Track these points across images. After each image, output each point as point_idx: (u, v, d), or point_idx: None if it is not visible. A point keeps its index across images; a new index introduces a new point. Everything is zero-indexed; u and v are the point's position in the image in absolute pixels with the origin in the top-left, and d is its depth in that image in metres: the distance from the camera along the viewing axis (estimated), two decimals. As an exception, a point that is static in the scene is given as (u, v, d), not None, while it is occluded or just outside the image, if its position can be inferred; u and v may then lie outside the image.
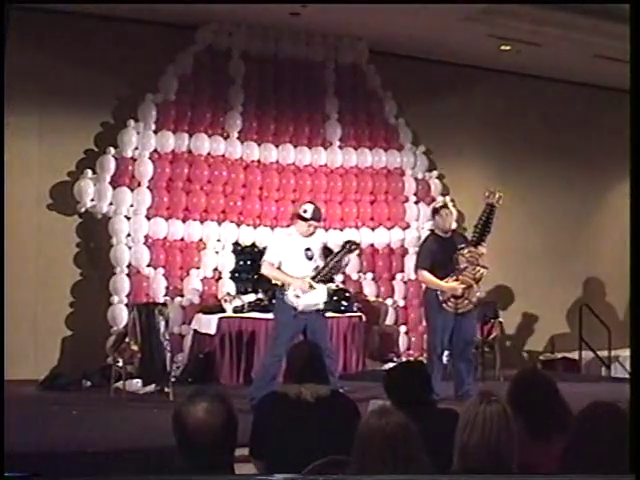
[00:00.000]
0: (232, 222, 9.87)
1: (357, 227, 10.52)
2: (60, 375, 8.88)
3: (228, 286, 9.74)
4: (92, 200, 9.36)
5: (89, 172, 9.37)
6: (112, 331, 9.19)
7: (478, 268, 7.70)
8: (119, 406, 7.69)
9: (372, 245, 10.67)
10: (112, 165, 9.41)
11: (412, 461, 2.85)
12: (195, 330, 9.36)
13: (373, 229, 10.66)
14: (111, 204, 9.41)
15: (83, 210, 9.39)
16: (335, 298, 9.75)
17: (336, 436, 3.55)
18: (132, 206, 9.46)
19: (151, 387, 8.29)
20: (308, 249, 7.44)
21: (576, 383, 8.46)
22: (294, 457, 3.48)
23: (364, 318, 9.82)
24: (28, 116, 9.23)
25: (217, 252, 9.82)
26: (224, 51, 10.01)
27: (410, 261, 10.10)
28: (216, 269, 9.83)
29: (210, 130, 9.83)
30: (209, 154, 9.78)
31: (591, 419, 3.05)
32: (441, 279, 7.71)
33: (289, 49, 10.31)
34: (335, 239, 9.64)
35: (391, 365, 8.76)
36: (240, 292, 9.70)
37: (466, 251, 7.69)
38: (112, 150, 9.44)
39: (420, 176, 10.91)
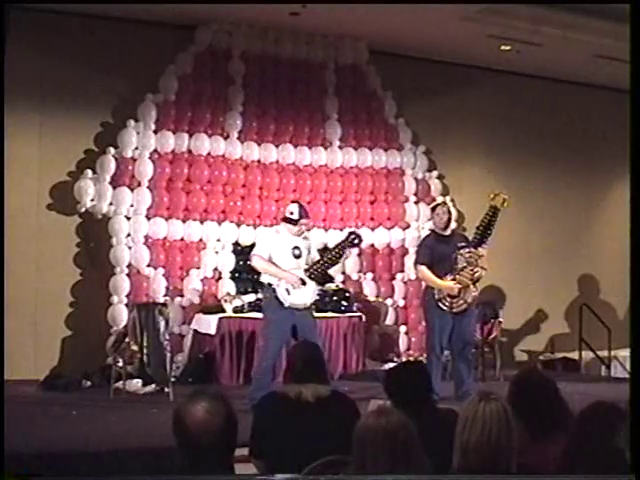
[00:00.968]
0: (232, 222, 9.88)
1: (357, 227, 10.50)
2: (60, 375, 8.87)
3: (228, 286, 9.74)
4: (92, 200, 9.36)
5: (89, 172, 9.36)
6: (112, 331, 9.18)
7: (477, 269, 7.70)
8: (119, 406, 7.67)
9: (372, 245, 10.66)
10: (112, 165, 9.41)
11: (412, 461, 2.85)
12: (195, 330, 9.35)
13: (373, 229, 10.67)
14: (111, 204, 9.41)
15: (83, 210, 9.39)
16: (335, 298, 9.77)
17: (336, 436, 3.55)
18: (132, 206, 9.46)
19: (151, 387, 8.29)
20: (296, 247, 7.45)
21: (576, 383, 8.47)
22: (294, 457, 3.49)
23: (364, 318, 9.82)
24: (28, 116, 9.25)
25: (217, 252, 9.82)
26: (224, 51, 10.01)
27: (410, 261, 10.09)
28: (216, 269, 9.83)
29: (210, 130, 9.84)
30: (209, 154, 9.79)
31: (591, 419, 3.05)
32: (439, 277, 7.72)
33: (289, 49, 10.31)
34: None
35: (391, 365, 8.76)
36: (240, 292, 9.69)
37: (466, 251, 7.69)
38: (112, 150, 9.44)
39: (420, 176, 10.92)
